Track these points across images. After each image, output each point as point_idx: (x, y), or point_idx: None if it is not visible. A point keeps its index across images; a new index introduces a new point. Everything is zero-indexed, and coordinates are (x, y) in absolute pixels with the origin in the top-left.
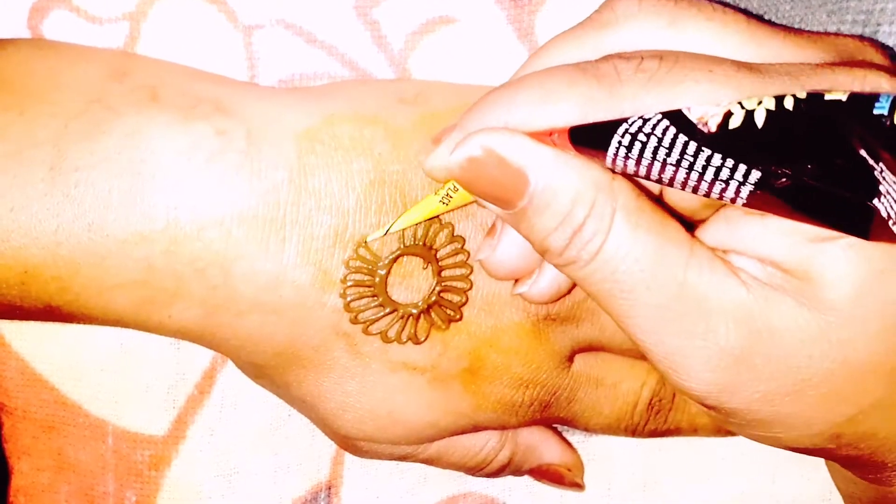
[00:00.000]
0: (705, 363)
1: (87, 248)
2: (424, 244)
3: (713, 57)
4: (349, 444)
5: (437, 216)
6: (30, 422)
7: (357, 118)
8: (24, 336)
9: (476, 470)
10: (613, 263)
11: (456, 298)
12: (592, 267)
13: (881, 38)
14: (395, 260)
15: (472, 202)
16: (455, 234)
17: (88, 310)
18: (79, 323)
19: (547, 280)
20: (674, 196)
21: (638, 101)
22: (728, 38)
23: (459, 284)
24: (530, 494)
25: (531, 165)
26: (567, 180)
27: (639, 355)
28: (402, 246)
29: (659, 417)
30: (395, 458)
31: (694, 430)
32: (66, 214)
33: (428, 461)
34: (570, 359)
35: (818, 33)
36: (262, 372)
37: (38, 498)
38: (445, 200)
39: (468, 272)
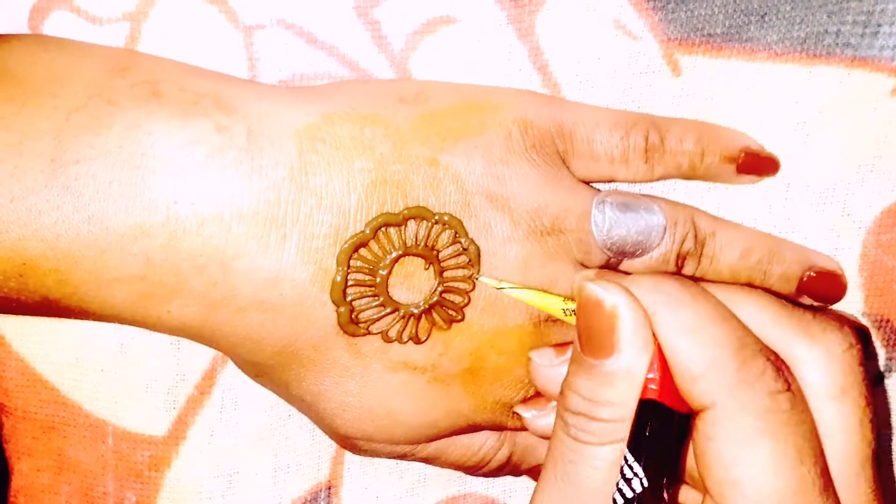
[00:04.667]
0: None
1: (86, 241)
2: (426, 245)
3: None
4: (348, 442)
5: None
6: (30, 422)
7: (358, 117)
8: (25, 336)
9: (475, 469)
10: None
11: (458, 299)
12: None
13: (881, 39)
14: (396, 260)
15: None
16: (457, 235)
17: (86, 304)
18: (77, 318)
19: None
20: None
21: None
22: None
23: (461, 285)
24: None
25: (626, 352)
26: (630, 396)
27: None
28: (403, 246)
29: None
30: (394, 457)
31: None
32: (66, 206)
33: (426, 460)
34: None
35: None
36: (261, 370)
37: (39, 498)
38: (568, 313)
39: (470, 273)
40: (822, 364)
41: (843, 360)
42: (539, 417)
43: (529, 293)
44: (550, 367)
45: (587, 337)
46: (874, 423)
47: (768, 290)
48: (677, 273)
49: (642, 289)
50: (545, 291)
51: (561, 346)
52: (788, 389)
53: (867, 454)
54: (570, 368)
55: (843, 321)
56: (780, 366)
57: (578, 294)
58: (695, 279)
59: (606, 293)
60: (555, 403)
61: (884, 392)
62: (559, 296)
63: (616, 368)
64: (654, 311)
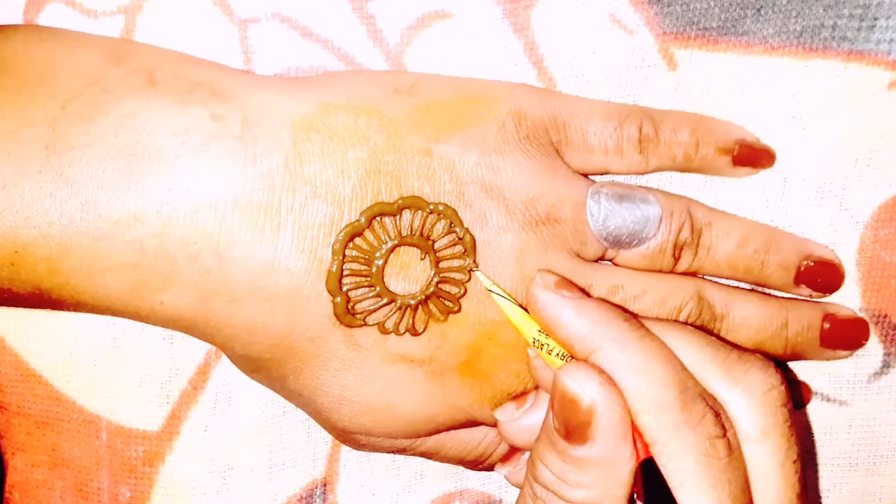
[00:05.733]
0: None
1: (78, 229)
2: (422, 234)
3: None
4: (347, 437)
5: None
6: (24, 418)
7: (353, 107)
8: (19, 332)
9: (475, 464)
10: None
11: (454, 290)
12: None
13: (878, 32)
14: (391, 250)
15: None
16: (452, 225)
17: (78, 294)
18: (70, 310)
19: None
20: None
21: None
22: None
23: (458, 276)
24: None
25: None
26: (606, 480)
27: None
28: (399, 236)
29: None
30: (393, 451)
31: None
32: (59, 193)
33: (426, 454)
34: None
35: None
36: (258, 365)
37: (33, 493)
38: (537, 344)
39: (466, 263)
40: (742, 406)
41: (763, 401)
42: (513, 474)
43: (511, 307)
44: (514, 422)
45: (562, 422)
46: (799, 464)
47: (701, 328)
48: (674, 265)
49: (593, 322)
50: (527, 312)
51: (520, 396)
52: (725, 435)
53: (790, 497)
54: (542, 439)
55: (769, 362)
56: (718, 410)
57: (553, 384)
58: (692, 274)
59: (583, 389)
60: (528, 455)
61: (886, 388)
62: (537, 323)
63: (590, 456)
64: (602, 345)
